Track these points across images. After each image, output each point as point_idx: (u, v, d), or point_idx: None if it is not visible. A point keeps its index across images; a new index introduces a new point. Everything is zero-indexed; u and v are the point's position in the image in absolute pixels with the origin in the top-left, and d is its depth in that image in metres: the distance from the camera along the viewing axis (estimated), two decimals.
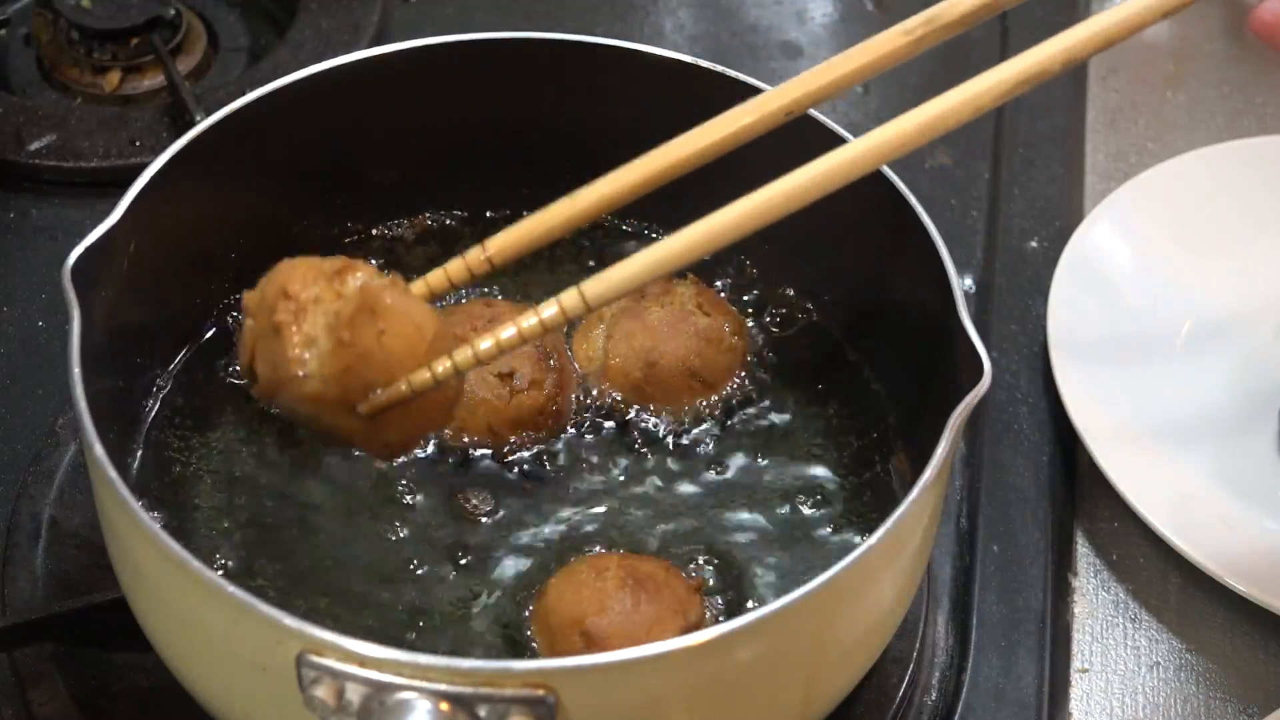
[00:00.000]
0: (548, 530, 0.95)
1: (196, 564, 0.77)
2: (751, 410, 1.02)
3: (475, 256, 0.89)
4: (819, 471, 0.99)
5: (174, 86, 1.28)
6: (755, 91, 1.01)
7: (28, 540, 1.01)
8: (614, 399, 1.01)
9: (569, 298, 0.84)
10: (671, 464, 0.99)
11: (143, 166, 0.93)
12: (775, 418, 1.02)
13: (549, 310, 0.84)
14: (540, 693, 0.74)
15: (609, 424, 1.00)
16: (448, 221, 1.11)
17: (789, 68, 1.40)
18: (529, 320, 0.84)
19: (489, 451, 0.98)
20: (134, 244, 0.92)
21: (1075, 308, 1.17)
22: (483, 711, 0.74)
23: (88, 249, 0.87)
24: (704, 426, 1.01)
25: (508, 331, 0.84)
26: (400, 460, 0.97)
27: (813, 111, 0.96)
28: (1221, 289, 1.21)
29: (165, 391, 1.00)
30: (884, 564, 0.84)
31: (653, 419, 1.00)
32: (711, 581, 0.93)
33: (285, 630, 0.75)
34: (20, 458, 1.06)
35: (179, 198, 0.95)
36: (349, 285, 0.83)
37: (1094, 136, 1.36)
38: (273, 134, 1.01)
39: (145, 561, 0.83)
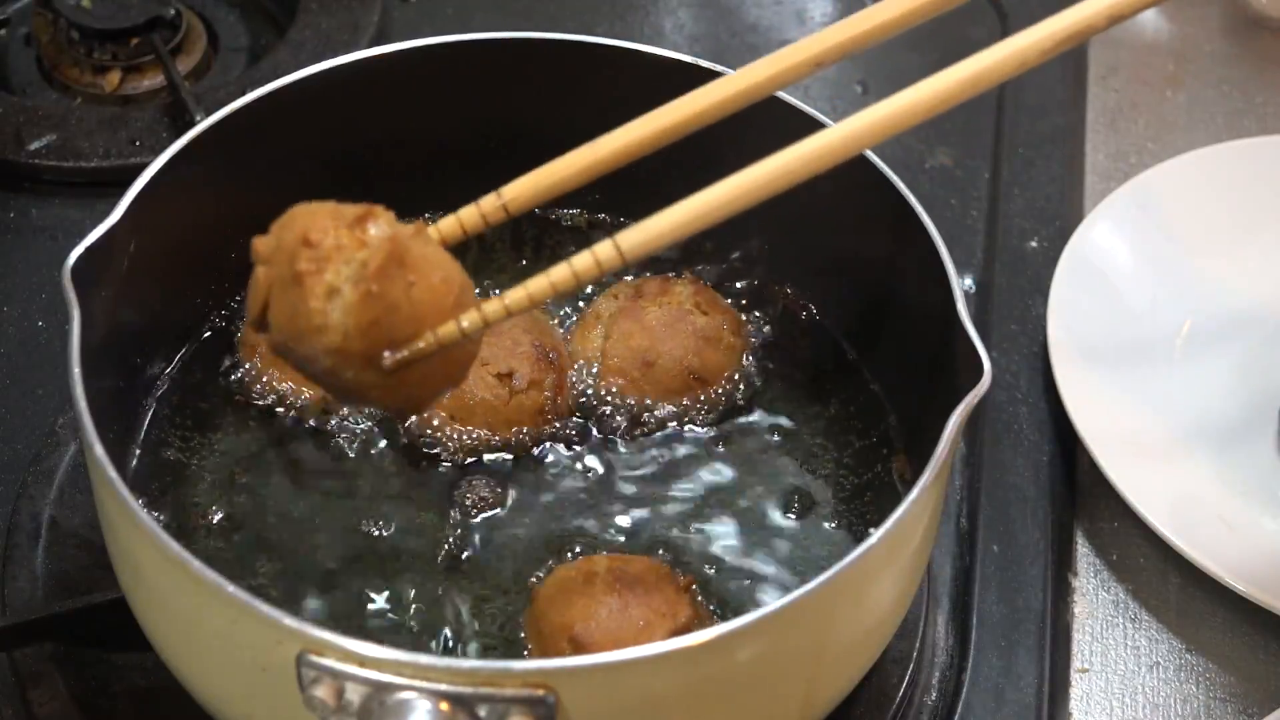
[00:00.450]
0: (546, 530, 0.95)
1: (197, 564, 0.77)
2: (751, 410, 1.02)
3: (491, 204, 0.85)
4: (818, 471, 0.99)
5: (174, 86, 1.28)
6: None
7: (28, 540, 1.01)
8: (612, 398, 1.01)
9: (603, 249, 0.79)
10: (669, 463, 0.99)
11: (143, 166, 0.93)
12: (775, 417, 1.02)
13: (582, 261, 0.80)
14: (540, 693, 0.74)
15: (607, 423, 1.00)
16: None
17: None
18: (561, 272, 0.79)
19: (488, 451, 0.98)
20: (134, 244, 0.92)
21: (1075, 308, 1.17)
22: (483, 711, 0.74)
23: (88, 249, 0.87)
24: (702, 426, 1.01)
25: (539, 284, 0.80)
26: (412, 420, 0.97)
27: (809, 109, 0.96)
28: (1221, 289, 1.21)
29: (165, 391, 1.00)
30: (884, 564, 0.84)
31: (651, 418, 1.00)
32: (708, 582, 0.93)
33: (285, 630, 0.75)
34: (20, 458, 1.06)
35: (179, 198, 0.95)
36: (375, 233, 0.79)
37: (1094, 136, 1.36)
38: (273, 134, 1.01)
39: (145, 561, 0.83)
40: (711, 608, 0.92)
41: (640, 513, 0.96)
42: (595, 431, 1.00)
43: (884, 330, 1.02)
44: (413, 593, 0.92)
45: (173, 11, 1.35)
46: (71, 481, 1.04)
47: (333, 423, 0.99)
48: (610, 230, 1.10)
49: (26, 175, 1.25)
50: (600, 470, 0.98)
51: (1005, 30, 1.42)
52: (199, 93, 1.28)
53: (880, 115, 0.83)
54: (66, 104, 1.33)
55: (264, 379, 1.00)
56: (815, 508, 0.97)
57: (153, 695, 0.94)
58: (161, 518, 0.94)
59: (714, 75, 1.02)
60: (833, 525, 0.97)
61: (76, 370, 0.83)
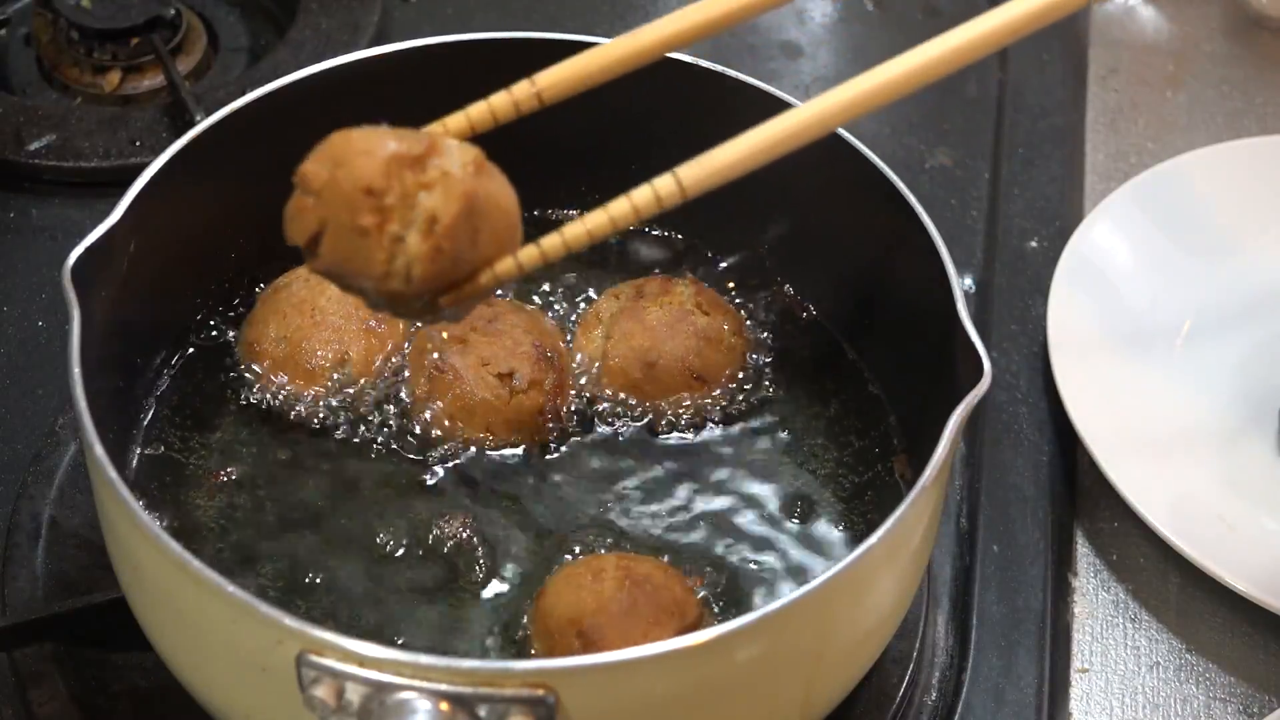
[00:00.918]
0: (548, 529, 0.95)
1: (196, 564, 0.77)
2: (751, 410, 1.02)
3: (524, 90, 0.83)
4: (819, 471, 0.99)
5: (174, 86, 1.28)
6: (754, 91, 1.01)
7: (28, 540, 1.01)
8: (613, 398, 1.01)
9: (663, 182, 0.78)
10: (670, 463, 0.99)
11: (143, 166, 0.93)
12: (775, 417, 1.02)
13: (641, 195, 0.78)
14: (540, 693, 0.74)
15: (608, 423, 1.00)
16: None
17: (789, 68, 1.40)
18: (620, 207, 0.78)
19: (488, 451, 0.98)
20: (134, 244, 0.92)
21: (1075, 308, 1.17)
22: (483, 711, 0.74)
23: (88, 249, 0.87)
24: (703, 426, 1.01)
25: (597, 219, 0.78)
26: (414, 420, 0.98)
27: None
28: (1221, 289, 1.21)
29: (165, 391, 1.00)
30: (884, 564, 0.84)
31: (652, 418, 1.00)
32: (710, 581, 0.93)
33: (285, 630, 0.75)
34: (20, 458, 1.06)
35: (179, 198, 0.95)
36: (448, 184, 0.76)
37: (1094, 136, 1.36)
38: (273, 134, 1.00)
39: (145, 561, 0.83)
40: (714, 608, 0.92)
41: (641, 512, 0.96)
42: (596, 431, 1.00)
43: (884, 331, 1.02)
44: (413, 592, 0.92)
45: (173, 11, 1.35)
46: (71, 481, 1.04)
47: (333, 422, 0.99)
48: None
49: (26, 175, 1.25)
50: (601, 470, 0.98)
51: None
52: (199, 93, 1.28)
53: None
54: (66, 104, 1.33)
55: (262, 379, 1.00)
56: (815, 508, 0.97)
57: (153, 695, 0.94)
58: (161, 518, 0.94)
59: (714, 75, 1.02)
60: (833, 525, 0.97)
61: (76, 370, 0.83)
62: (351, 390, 1.00)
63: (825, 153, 0.96)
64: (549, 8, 1.44)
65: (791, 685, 0.84)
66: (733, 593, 0.93)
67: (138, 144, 1.26)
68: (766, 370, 1.04)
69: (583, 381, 1.01)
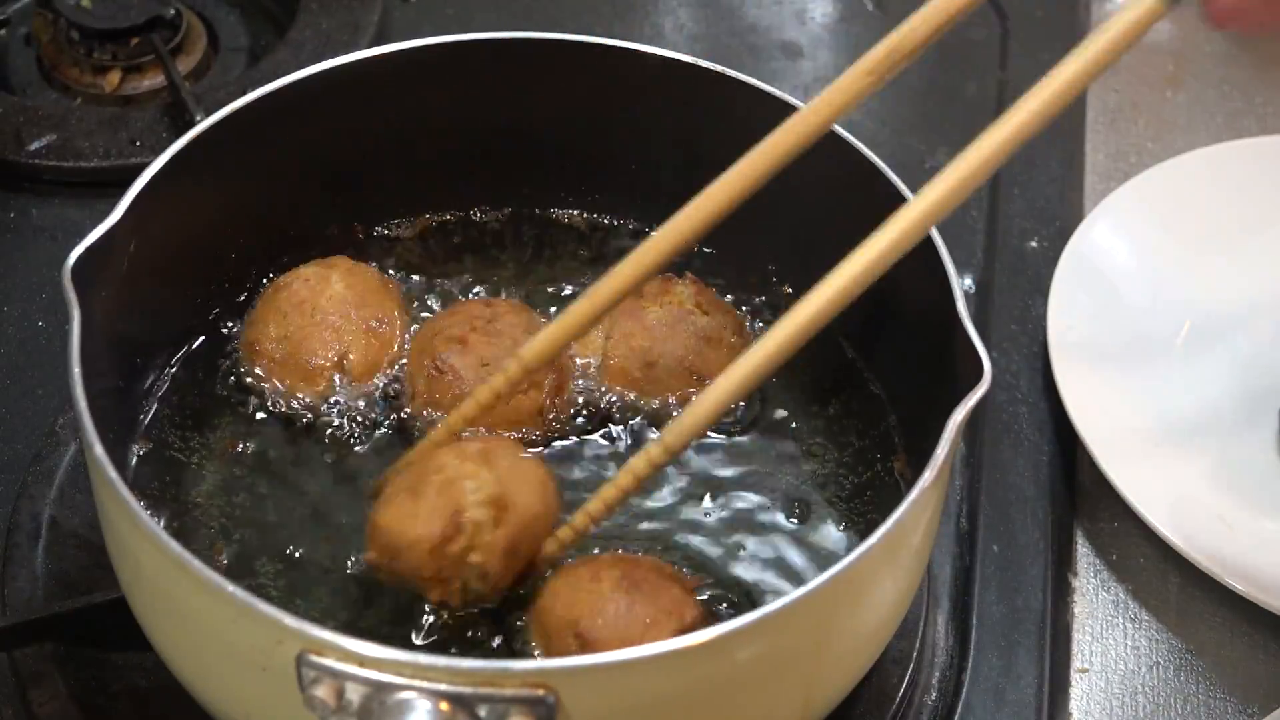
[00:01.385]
0: None
1: (197, 564, 0.77)
2: (751, 409, 1.02)
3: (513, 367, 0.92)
4: (819, 471, 0.99)
5: (174, 86, 1.28)
6: (754, 91, 1.01)
7: (28, 540, 1.01)
8: (613, 398, 1.01)
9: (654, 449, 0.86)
10: (670, 464, 0.99)
11: (143, 166, 0.93)
12: (775, 417, 1.02)
13: (637, 463, 0.87)
14: (540, 693, 0.74)
15: (608, 423, 1.00)
16: (448, 221, 1.11)
17: (789, 68, 1.40)
18: (624, 479, 0.87)
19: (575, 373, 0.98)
20: (134, 244, 0.92)
21: (1075, 308, 1.17)
22: (483, 711, 0.74)
23: (88, 249, 0.87)
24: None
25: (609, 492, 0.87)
26: (412, 419, 0.98)
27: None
28: (1221, 289, 1.21)
29: (165, 391, 1.00)
30: (884, 564, 0.84)
31: (651, 418, 1.00)
32: (709, 581, 0.93)
33: (285, 630, 0.75)
34: (20, 458, 1.06)
35: (179, 198, 0.95)
36: (488, 546, 0.87)
37: (1094, 136, 1.36)
38: (273, 134, 1.01)
39: (145, 561, 0.83)
40: (712, 609, 0.91)
41: (639, 512, 0.96)
42: (595, 431, 1.00)
43: (884, 330, 1.02)
44: (413, 592, 0.92)
45: (173, 11, 1.35)
46: (71, 481, 1.04)
47: (333, 421, 0.99)
48: (608, 232, 1.11)
49: (26, 175, 1.25)
50: (600, 470, 0.98)
51: (1005, 31, 1.42)
52: (199, 93, 1.28)
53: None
54: (66, 104, 1.33)
55: (262, 379, 1.00)
56: (815, 508, 0.97)
57: (153, 695, 0.94)
58: (161, 518, 0.94)
59: (714, 75, 1.02)
60: (833, 525, 0.97)
61: (76, 370, 0.83)
62: (351, 390, 1.00)
63: (825, 153, 0.96)
64: (549, 8, 1.44)
65: (791, 685, 0.84)
66: (732, 593, 0.93)
67: (138, 144, 1.26)
68: None
69: (582, 381, 1.01)
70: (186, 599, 0.80)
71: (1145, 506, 1.06)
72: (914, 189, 0.95)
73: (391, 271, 1.07)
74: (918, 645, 1.00)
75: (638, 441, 0.99)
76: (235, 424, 0.99)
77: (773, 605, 0.77)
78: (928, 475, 0.82)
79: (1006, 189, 1.29)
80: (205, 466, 0.97)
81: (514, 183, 1.10)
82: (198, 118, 1.11)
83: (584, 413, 1.00)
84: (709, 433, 1.00)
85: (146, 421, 0.99)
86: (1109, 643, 1.05)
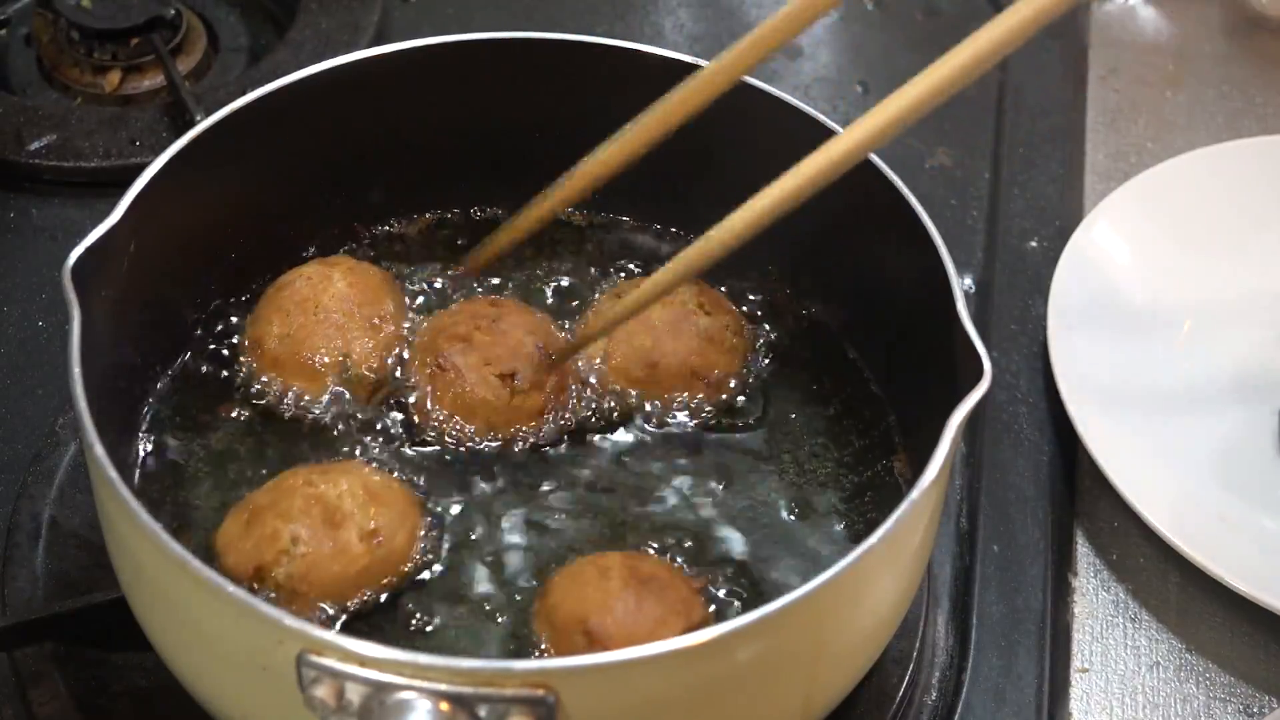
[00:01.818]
0: (549, 529, 0.95)
1: (196, 564, 0.77)
2: (753, 410, 1.02)
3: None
4: (819, 471, 0.99)
5: (174, 86, 1.28)
6: (754, 91, 1.01)
7: (28, 540, 1.01)
8: (615, 397, 1.01)
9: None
10: (672, 463, 0.99)
11: (143, 166, 0.93)
12: (776, 417, 1.02)
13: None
14: (540, 693, 0.74)
15: (610, 423, 1.00)
16: (448, 220, 1.11)
17: (789, 68, 1.40)
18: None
19: (489, 449, 0.98)
20: (134, 244, 0.92)
21: (1075, 308, 1.17)
22: (483, 711, 0.74)
23: (88, 249, 0.87)
24: (704, 426, 1.00)
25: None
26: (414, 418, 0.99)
27: (809, 110, 0.96)
28: (1221, 289, 1.21)
29: (165, 391, 1.00)
30: (884, 564, 0.84)
31: (654, 418, 1.00)
32: (712, 581, 0.93)
33: (285, 630, 0.75)
34: (20, 458, 1.06)
35: (179, 198, 0.95)
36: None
37: (1094, 136, 1.36)
38: (272, 134, 1.01)
39: (145, 561, 0.83)
40: (713, 608, 0.91)
41: (641, 512, 0.96)
42: (597, 431, 1.00)
43: (884, 330, 1.02)
44: (413, 591, 0.92)
45: (173, 11, 1.35)
46: (71, 481, 1.04)
47: (334, 419, 0.99)
48: (608, 230, 1.11)
49: (26, 175, 1.25)
50: (601, 469, 0.98)
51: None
52: (199, 93, 1.28)
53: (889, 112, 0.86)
54: (66, 104, 1.33)
55: (264, 378, 1.00)
56: (815, 508, 0.97)
57: (153, 695, 0.94)
58: (161, 518, 0.94)
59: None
60: (833, 525, 0.97)
61: (76, 370, 0.83)
62: (353, 388, 1.00)
63: None
64: (549, 7, 1.44)
65: (791, 685, 0.84)
66: (733, 593, 0.93)
67: (138, 144, 1.26)
68: (767, 370, 1.04)
69: (585, 380, 1.01)
70: (186, 599, 0.80)
71: (1145, 506, 1.06)
72: (914, 189, 0.96)
73: (390, 269, 1.07)
74: (918, 645, 1.00)
75: (639, 440, 0.99)
76: (236, 423, 0.99)
77: (773, 605, 0.77)
78: (928, 475, 0.82)
79: (1006, 189, 1.29)
80: (205, 466, 0.97)
81: (514, 181, 1.10)
82: (198, 118, 1.11)
83: (586, 411, 1.00)
84: (708, 432, 1.00)
85: (146, 421, 0.99)
86: (1109, 643, 1.05)
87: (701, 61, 1.02)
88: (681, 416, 1.01)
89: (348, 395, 0.99)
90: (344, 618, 0.89)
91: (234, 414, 0.99)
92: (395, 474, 0.96)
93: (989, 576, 1.06)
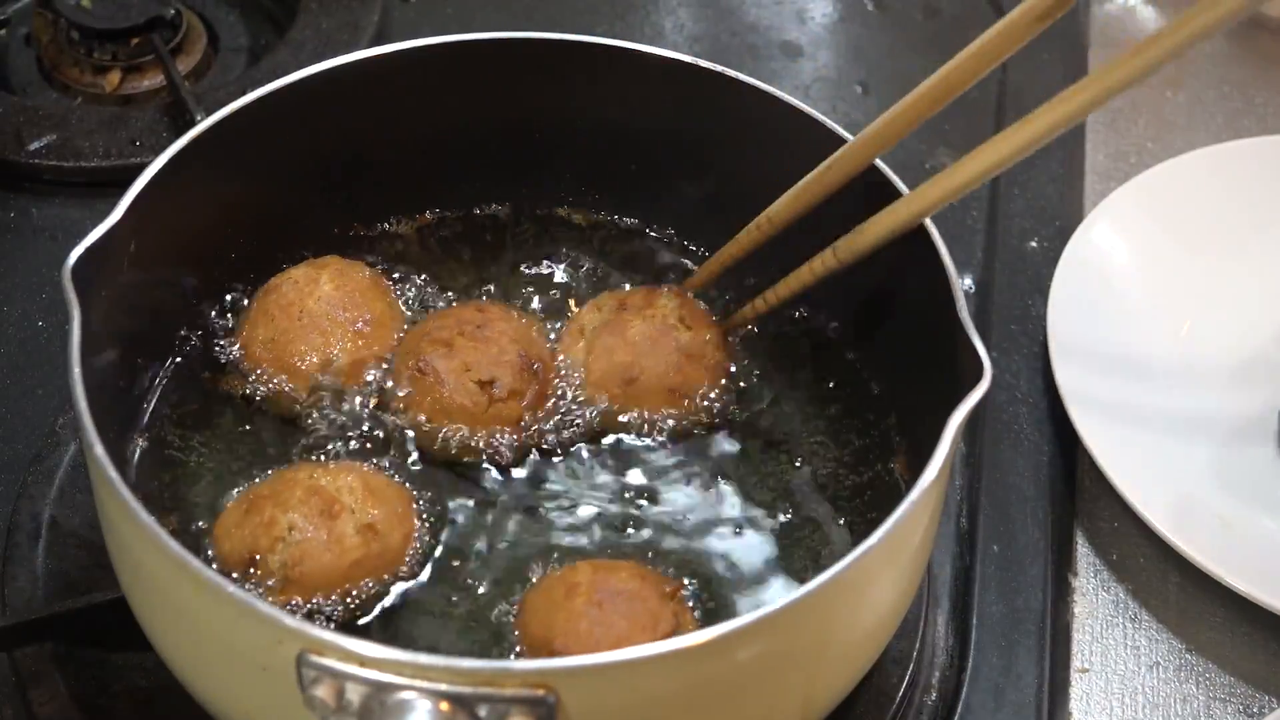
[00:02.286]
0: (529, 536, 0.94)
1: (196, 564, 0.77)
2: (751, 409, 1.02)
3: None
4: (819, 471, 0.99)
5: (174, 86, 1.28)
6: (754, 91, 1.01)
7: (28, 540, 1.01)
8: (594, 411, 1.00)
9: None
10: (657, 469, 0.98)
11: (143, 166, 0.93)
12: (775, 418, 1.02)
13: None
14: (540, 693, 0.74)
15: (591, 433, 0.99)
16: (448, 219, 1.11)
17: (789, 68, 1.40)
18: None
19: (470, 456, 0.98)
20: (134, 244, 0.92)
21: (1075, 308, 1.17)
22: (483, 711, 0.74)
23: (88, 249, 0.87)
24: (684, 438, 1.00)
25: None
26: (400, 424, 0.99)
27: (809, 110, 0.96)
28: (1221, 289, 1.21)
29: (165, 390, 1.00)
30: (884, 564, 0.84)
31: (633, 430, 1.00)
32: (708, 583, 0.93)
33: (285, 630, 0.75)
34: (20, 458, 1.06)
35: (179, 198, 0.95)
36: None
37: (1094, 136, 1.36)
38: (272, 134, 1.01)
39: (145, 561, 0.83)
40: (697, 614, 0.91)
41: (637, 510, 0.96)
42: (578, 441, 0.99)
43: (884, 330, 1.02)
44: (412, 591, 0.92)
45: (173, 11, 1.35)
46: (71, 481, 1.04)
47: (319, 422, 0.99)
48: (608, 230, 1.11)
49: (26, 175, 1.25)
50: (583, 478, 0.98)
51: None
52: (199, 93, 1.28)
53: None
54: (66, 104, 1.33)
55: (263, 378, 1.00)
56: (815, 507, 0.97)
57: (153, 695, 0.94)
58: (161, 518, 0.94)
59: (714, 75, 1.02)
60: (833, 525, 0.97)
61: (76, 370, 0.83)
62: (338, 391, 0.99)
63: (826, 153, 0.96)
64: (549, 7, 1.44)
65: (791, 685, 0.84)
66: (733, 594, 0.93)
67: (138, 144, 1.26)
68: (766, 370, 1.04)
69: (564, 393, 1.00)
70: (186, 599, 0.80)
71: (1145, 506, 1.06)
72: (913, 189, 0.96)
73: (389, 269, 1.07)
74: (918, 645, 1.00)
75: (616, 455, 0.99)
76: (235, 423, 0.99)
77: (773, 605, 0.77)
78: (928, 475, 0.82)
79: (1006, 189, 1.29)
80: (205, 465, 0.97)
81: (513, 181, 1.10)
82: (198, 118, 1.11)
83: (564, 424, 0.99)
84: (709, 431, 1.00)
85: (146, 421, 0.99)
86: (1109, 643, 1.05)
87: (704, 63, 1.03)
88: (661, 427, 1.00)
89: (331, 397, 0.99)
90: (338, 611, 0.89)
91: (233, 413, 0.99)
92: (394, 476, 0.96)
93: (989, 576, 1.06)
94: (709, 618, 0.91)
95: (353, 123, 1.04)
